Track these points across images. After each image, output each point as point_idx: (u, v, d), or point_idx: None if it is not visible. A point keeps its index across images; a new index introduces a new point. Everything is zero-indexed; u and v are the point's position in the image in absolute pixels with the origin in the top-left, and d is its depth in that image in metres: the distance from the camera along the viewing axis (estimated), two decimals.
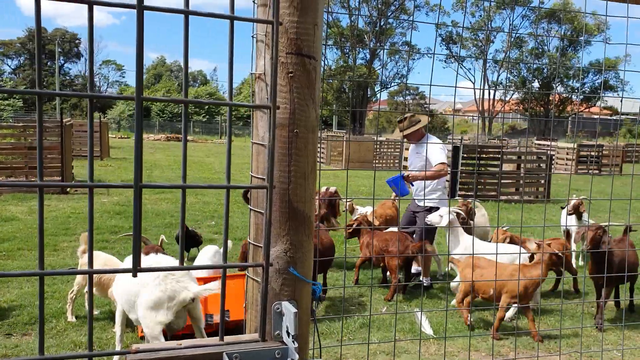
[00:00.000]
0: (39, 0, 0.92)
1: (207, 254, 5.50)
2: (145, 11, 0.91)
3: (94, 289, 3.92)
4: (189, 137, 39.74)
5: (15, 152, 13.14)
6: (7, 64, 66.38)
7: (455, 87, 3.04)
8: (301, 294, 1.31)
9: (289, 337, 1.21)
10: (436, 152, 6.17)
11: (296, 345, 1.17)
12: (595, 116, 53.17)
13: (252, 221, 1.35)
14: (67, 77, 66.11)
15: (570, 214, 7.31)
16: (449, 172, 6.51)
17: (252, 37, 1.27)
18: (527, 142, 28.34)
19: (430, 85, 2.91)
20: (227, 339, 1.10)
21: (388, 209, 8.03)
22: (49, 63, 63.09)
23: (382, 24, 56.30)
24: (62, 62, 64.55)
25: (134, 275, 0.98)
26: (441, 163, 6.12)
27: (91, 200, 0.95)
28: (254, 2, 1.25)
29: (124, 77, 73.61)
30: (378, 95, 66.81)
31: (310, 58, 1.23)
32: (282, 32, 1.19)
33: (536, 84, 56.07)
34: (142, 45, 0.91)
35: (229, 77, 1.03)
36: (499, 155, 15.44)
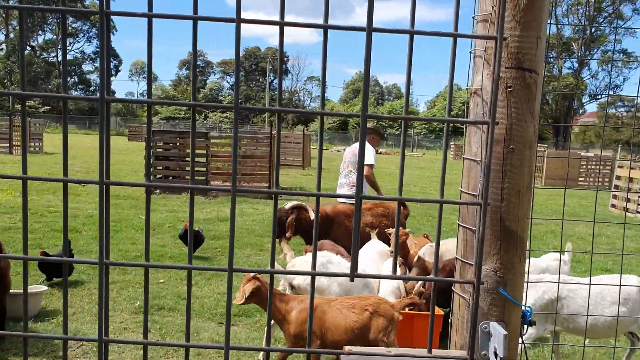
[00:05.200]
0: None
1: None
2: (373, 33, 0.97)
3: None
4: (382, 150, 40.57)
5: (230, 160, 14.76)
6: (227, 81, 75.02)
7: None
8: (510, 316, 1.27)
9: (496, 358, 1.18)
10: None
11: None
12: None
13: (459, 237, 1.34)
14: (276, 92, 72.27)
15: None
16: None
17: (470, 52, 1.26)
18: None
19: (638, 95, 2.64)
20: (436, 352, 1.11)
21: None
22: (260, 79, 69.70)
23: (592, 31, 51.50)
24: (272, 78, 70.74)
25: (352, 280, 1.04)
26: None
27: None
28: (473, 18, 1.25)
29: (326, 92, 78.13)
30: (586, 107, 61.27)
31: (531, 72, 1.19)
32: (503, 46, 1.17)
33: None
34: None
35: (448, 93, 1.04)
36: None
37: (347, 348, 1.10)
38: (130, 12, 0.99)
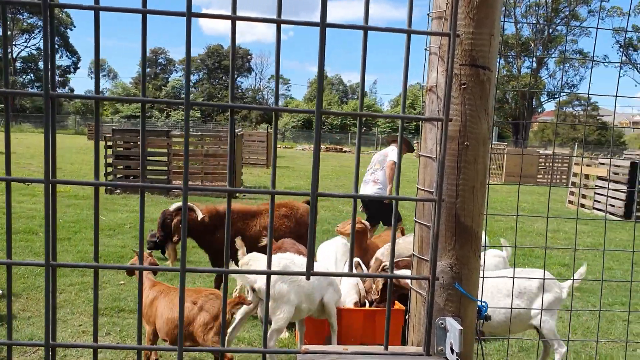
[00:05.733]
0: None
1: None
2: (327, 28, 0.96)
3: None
4: (346, 148, 40.77)
5: (192, 158, 14.54)
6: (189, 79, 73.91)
7: (616, 96, 2.78)
8: (466, 311, 1.28)
9: (452, 354, 1.18)
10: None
11: None
12: None
13: (416, 233, 1.35)
14: (239, 90, 71.70)
15: None
16: None
17: (425, 49, 1.27)
18: None
19: (589, 94, 2.72)
20: (392, 349, 1.11)
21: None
22: (223, 77, 69.03)
23: (550, 31, 52.89)
24: (236, 75, 70.16)
25: (307, 279, 1.03)
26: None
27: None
28: (428, 15, 1.26)
29: (289, 90, 77.95)
30: (544, 105, 62.91)
31: (484, 69, 1.20)
32: (457, 43, 1.18)
33: None
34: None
35: (402, 90, 1.04)
36: None
37: (303, 347, 1.09)
38: (76, 5, 0.95)
